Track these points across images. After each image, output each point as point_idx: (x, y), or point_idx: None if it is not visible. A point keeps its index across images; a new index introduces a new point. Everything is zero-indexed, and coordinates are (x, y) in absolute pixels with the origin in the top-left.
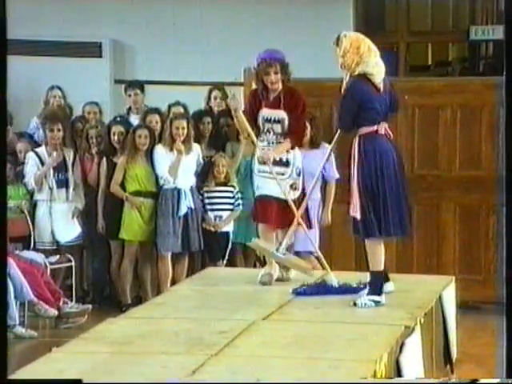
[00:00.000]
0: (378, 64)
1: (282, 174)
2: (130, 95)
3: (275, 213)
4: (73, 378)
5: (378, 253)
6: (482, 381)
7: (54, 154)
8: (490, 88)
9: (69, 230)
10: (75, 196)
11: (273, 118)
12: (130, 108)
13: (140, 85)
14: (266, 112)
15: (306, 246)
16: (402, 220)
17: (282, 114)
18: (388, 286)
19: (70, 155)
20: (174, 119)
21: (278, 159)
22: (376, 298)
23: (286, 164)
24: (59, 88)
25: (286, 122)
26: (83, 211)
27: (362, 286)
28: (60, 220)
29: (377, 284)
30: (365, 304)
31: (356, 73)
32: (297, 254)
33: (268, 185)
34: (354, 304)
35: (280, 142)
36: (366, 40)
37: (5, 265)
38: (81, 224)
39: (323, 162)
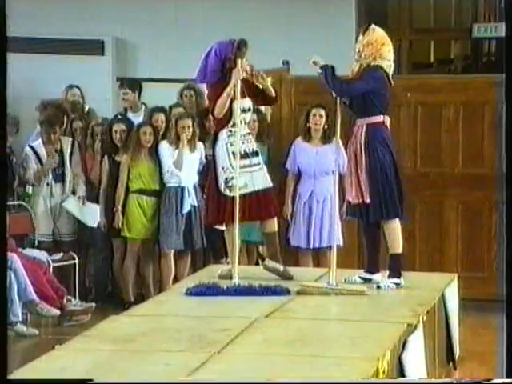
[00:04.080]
0: (391, 65)
1: (258, 164)
2: (119, 94)
3: (257, 205)
4: (76, 378)
5: (398, 234)
6: (494, 381)
7: (56, 157)
8: (493, 86)
9: (91, 214)
10: (76, 186)
11: (246, 108)
12: (126, 108)
13: (132, 84)
14: (241, 102)
15: (330, 240)
16: (383, 205)
17: (249, 102)
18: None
19: (67, 146)
20: (179, 119)
21: (253, 150)
22: (397, 280)
23: (257, 154)
24: (77, 87)
25: (252, 110)
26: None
27: (264, 288)
28: (63, 214)
29: (397, 266)
30: (388, 286)
31: (371, 64)
32: (320, 249)
33: (252, 179)
34: (378, 287)
35: (248, 134)
36: (389, 41)
37: (5, 264)
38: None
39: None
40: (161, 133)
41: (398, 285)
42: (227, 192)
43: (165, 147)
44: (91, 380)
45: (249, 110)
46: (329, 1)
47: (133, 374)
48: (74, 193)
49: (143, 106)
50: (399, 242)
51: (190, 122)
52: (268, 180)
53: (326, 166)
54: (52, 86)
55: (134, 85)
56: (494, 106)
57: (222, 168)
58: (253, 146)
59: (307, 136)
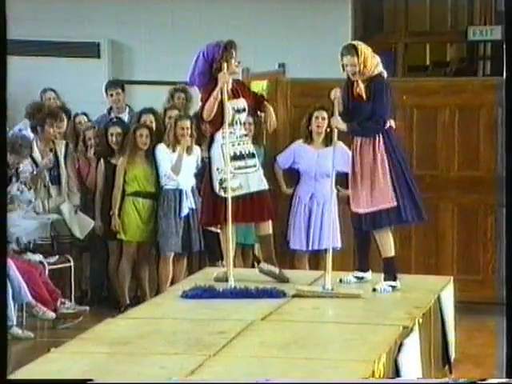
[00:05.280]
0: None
1: (254, 166)
2: (111, 94)
3: (251, 207)
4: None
5: (389, 239)
6: (490, 380)
7: (50, 156)
8: (489, 88)
9: (80, 226)
10: (70, 193)
11: (240, 108)
12: (111, 108)
13: (121, 84)
14: (233, 102)
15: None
16: (416, 205)
17: (244, 102)
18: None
19: (61, 149)
20: (178, 120)
21: (250, 152)
22: (392, 283)
23: (253, 155)
24: (52, 90)
25: (247, 111)
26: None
27: (260, 291)
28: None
29: (392, 269)
30: (384, 289)
31: (374, 74)
32: (318, 251)
33: (248, 180)
34: (374, 290)
35: (245, 135)
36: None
37: (5, 265)
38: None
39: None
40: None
41: (393, 287)
42: (222, 193)
43: (162, 150)
44: (91, 380)
45: (243, 110)
46: (325, 4)
47: (129, 376)
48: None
49: (127, 108)
50: (391, 245)
51: (188, 123)
52: (264, 182)
53: (326, 169)
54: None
55: (122, 85)
56: (490, 108)
57: (217, 169)
58: (249, 147)
59: (309, 138)
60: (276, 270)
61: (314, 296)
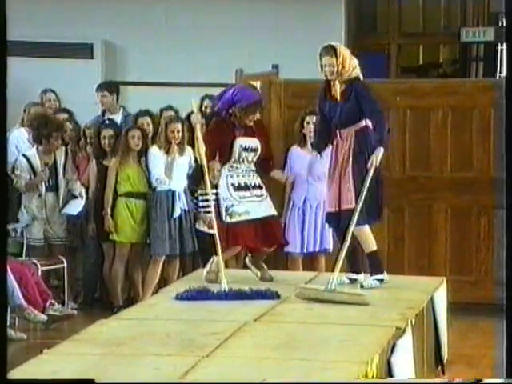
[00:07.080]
0: None
1: (261, 196)
2: (99, 97)
3: (260, 233)
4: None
5: (370, 235)
6: (486, 381)
7: (46, 170)
8: (481, 90)
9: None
10: (72, 190)
11: (250, 147)
12: (104, 110)
13: (110, 86)
14: (242, 141)
15: (322, 244)
16: (375, 208)
17: (257, 142)
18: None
19: (61, 155)
20: (169, 122)
21: (256, 184)
22: (379, 276)
23: (260, 187)
24: (53, 91)
25: (259, 151)
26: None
27: (254, 292)
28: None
29: (377, 263)
30: (370, 284)
31: (352, 77)
32: (311, 253)
33: (254, 207)
34: (362, 286)
35: (252, 170)
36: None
37: (5, 265)
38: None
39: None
40: (149, 136)
41: (381, 281)
42: (227, 219)
43: (155, 152)
44: (92, 380)
45: (253, 150)
46: (318, 5)
47: (122, 377)
48: (66, 201)
49: (121, 109)
50: (371, 240)
51: (179, 126)
52: (272, 209)
53: (318, 172)
54: (41, 89)
55: (111, 87)
56: (483, 109)
57: (223, 198)
58: (255, 180)
59: (302, 142)
60: (258, 273)
61: (315, 296)
